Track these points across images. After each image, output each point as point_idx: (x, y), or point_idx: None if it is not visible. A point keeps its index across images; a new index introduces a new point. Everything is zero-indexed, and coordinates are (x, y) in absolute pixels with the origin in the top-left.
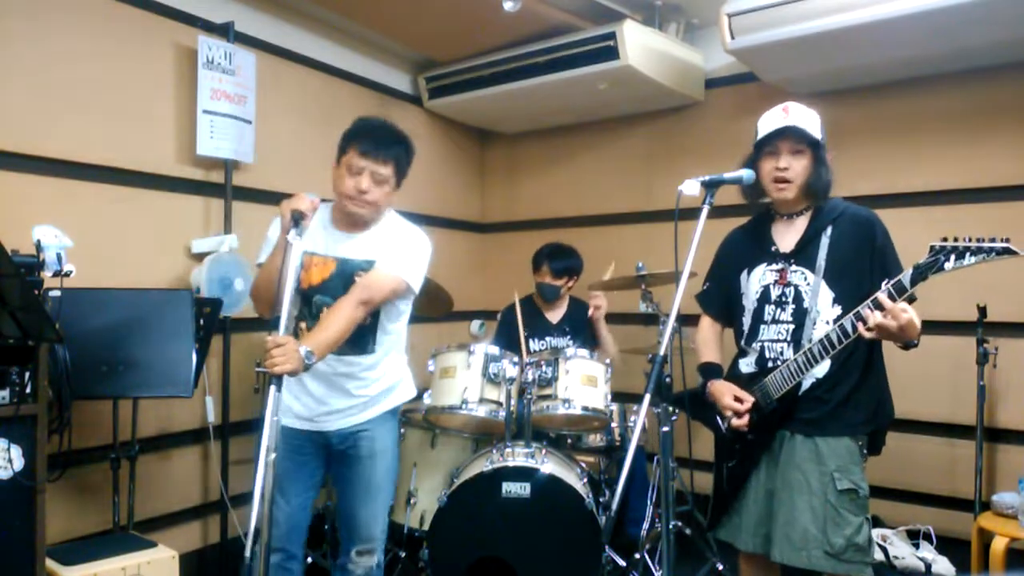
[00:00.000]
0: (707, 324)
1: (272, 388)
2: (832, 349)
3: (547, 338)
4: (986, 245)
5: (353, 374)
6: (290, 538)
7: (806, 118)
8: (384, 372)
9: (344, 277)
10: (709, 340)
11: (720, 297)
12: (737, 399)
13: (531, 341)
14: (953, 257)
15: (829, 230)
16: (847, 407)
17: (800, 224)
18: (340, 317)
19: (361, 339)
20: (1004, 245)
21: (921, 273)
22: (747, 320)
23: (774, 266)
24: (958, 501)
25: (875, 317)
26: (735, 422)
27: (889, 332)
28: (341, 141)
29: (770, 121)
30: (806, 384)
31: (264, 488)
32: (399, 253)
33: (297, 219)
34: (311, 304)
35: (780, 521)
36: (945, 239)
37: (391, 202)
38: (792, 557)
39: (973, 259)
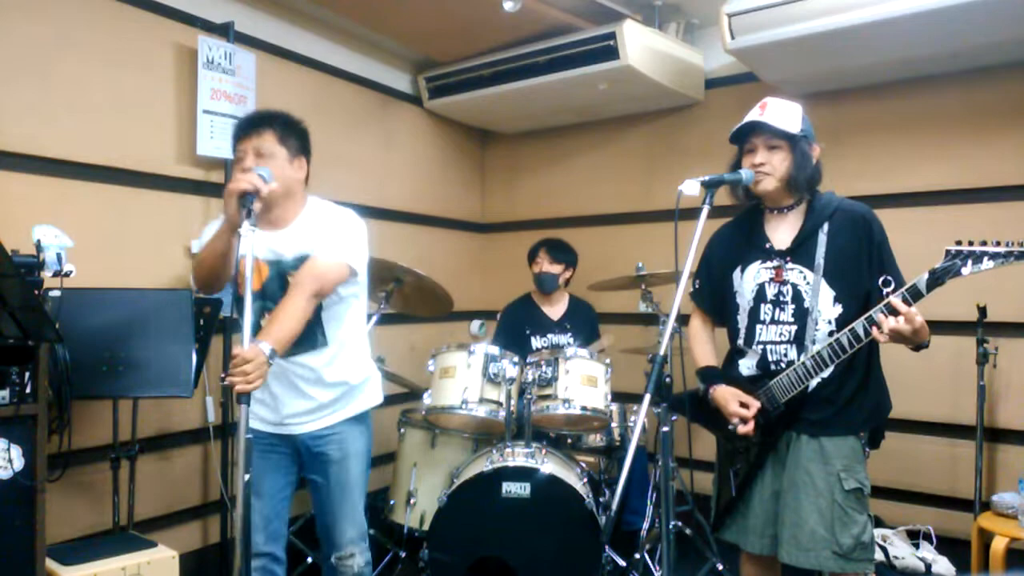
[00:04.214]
0: (699, 323)
1: (242, 406)
2: (844, 353)
3: (548, 335)
4: (1004, 250)
5: (309, 376)
6: (271, 542)
7: (781, 113)
8: (343, 371)
9: (281, 279)
10: (703, 341)
11: (712, 295)
12: (743, 405)
13: (532, 339)
14: (971, 262)
15: (826, 227)
16: (852, 406)
17: (793, 219)
18: (295, 310)
19: (309, 335)
20: (1021, 249)
21: (938, 278)
22: (743, 319)
23: (769, 263)
24: (958, 501)
25: (890, 322)
26: (742, 429)
27: (903, 336)
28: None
29: (748, 118)
30: (812, 385)
31: (242, 507)
32: (336, 237)
33: (248, 204)
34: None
35: (787, 522)
36: (960, 242)
37: (297, 179)
38: (800, 558)
39: (991, 263)
